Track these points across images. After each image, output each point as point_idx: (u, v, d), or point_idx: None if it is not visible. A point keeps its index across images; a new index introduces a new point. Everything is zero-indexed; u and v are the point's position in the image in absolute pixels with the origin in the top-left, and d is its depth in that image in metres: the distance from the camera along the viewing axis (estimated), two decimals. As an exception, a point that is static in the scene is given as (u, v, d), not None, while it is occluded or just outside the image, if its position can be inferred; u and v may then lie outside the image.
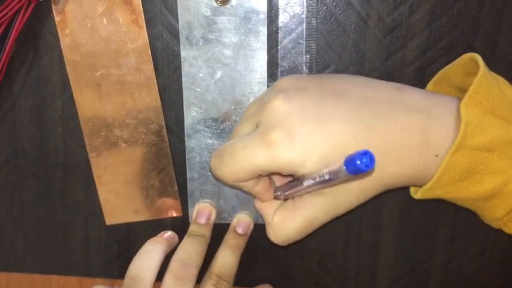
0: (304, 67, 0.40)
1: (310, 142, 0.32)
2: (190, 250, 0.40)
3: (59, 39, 0.40)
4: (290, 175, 0.36)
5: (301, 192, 0.34)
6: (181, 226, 0.44)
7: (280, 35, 0.40)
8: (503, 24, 0.39)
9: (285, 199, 0.37)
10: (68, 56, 0.40)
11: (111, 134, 0.42)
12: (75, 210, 0.45)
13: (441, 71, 0.38)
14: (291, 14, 0.40)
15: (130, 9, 0.39)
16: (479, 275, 0.44)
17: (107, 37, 0.40)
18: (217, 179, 0.37)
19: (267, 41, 0.39)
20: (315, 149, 0.32)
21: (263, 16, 0.39)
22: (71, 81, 0.41)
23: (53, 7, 0.39)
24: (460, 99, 0.33)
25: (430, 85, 0.39)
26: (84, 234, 0.45)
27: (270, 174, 0.37)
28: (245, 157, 0.33)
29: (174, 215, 0.44)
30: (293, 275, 0.45)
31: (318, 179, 0.31)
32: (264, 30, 0.39)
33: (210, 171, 0.40)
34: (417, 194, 0.35)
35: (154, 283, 0.39)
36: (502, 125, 0.32)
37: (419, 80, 0.40)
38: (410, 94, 0.34)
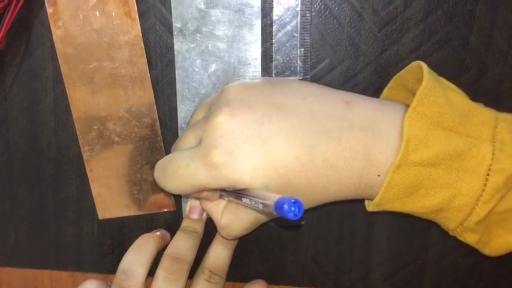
0: (298, 60, 0.40)
1: (252, 163, 0.32)
2: (183, 245, 0.39)
3: (51, 32, 0.40)
4: None
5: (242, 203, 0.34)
6: (174, 221, 0.44)
7: (274, 28, 0.39)
8: (499, 18, 0.39)
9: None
10: (60, 48, 0.40)
11: (103, 127, 0.41)
12: (67, 205, 0.44)
13: (396, 76, 0.37)
14: (286, 7, 0.39)
15: (123, 1, 0.39)
16: (473, 271, 0.44)
17: (99, 29, 0.39)
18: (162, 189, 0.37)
19: (261, 34, 0.39)
20: (257, 170, 0.32)
21: (257, 9, 0.39)
22: (63, 74, 0.40)
23: (45, -1, 0.39)
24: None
25: (386, 90, 0.38)
26: (77, 229, 0.45)
27: None
28: (187, 176, 0.33)
29: (167, 210, 0.44)
30: (286, 271, 0.45)
31: (253, 204, 0.30)
32: (258, 23, 0.39)
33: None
34: (369, 207, 0.35)
35: (146, 278, 0.38)
36: (449, 137, 0.32)
37: (414, 74, 0.40)
38: (358, 108, 0.33)
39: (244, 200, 0.32)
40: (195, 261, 0.40)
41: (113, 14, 0.39)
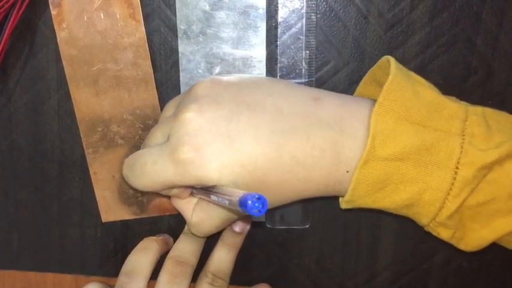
0: (303, 63, 0.40)
1: (220, 161, 0.31)
2: (186, 248, 0.39)
3: (55, 33, 0.39)
4: None
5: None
6: (177, 224, 0.44)
7: (279, 30, 0.39)
8: (505, 21, 0.39)
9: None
10: (64, 50, 0.40)
11: (107, 130, 0.41)
12: (71, 207, 0.44)
13: (369, 71, 0.37)
14: (291, 9, 0.39)
15: (127, 3, 0.39)
16: (479, 276, 0.44)
17: (103, 31, 0.39)
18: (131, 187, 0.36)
19: (266, 37, 0.39)
20: (225, 167, 0.31)
21: (262, 11, 0.39)
22: (67, 76, 0.40)
23: (50, 0, 0.39)
24: None
25: (360, 85, 0.39)
26: (80, 232, 0.45)
27: None
28: (154, 173, 0.33)
29: (171, 213, 0.43)
30: (291, 274, 0.44)
31: (220, 201, 0.30)
32: (263, 26, 0.39)
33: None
34: (342, 204, 0.35)
35: (149, 281, 0.38)
36: (417, 131, 0.31)
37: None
38: (326, 105, 0.33)
39: (213, 197, 0.31)
40: (198, 264, 0.39)
41: (118, 15, 0.39)
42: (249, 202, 0.26)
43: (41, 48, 0.41)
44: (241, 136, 0.32)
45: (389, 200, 0.33)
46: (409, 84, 0.33)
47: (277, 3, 0.39)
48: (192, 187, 0.35)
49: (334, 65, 0.40)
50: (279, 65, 0.40)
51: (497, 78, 0.40)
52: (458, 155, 0.31)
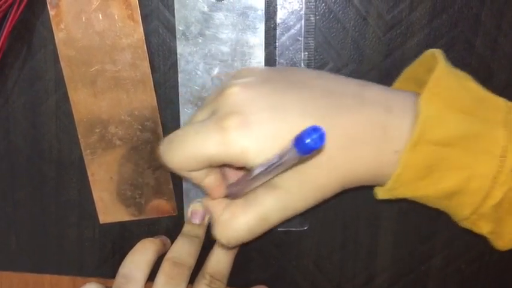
0: (302, 64, 0.39)
1: (266, 131, 0.30)
2: (183, 250, 0.39)
3: (53, 34, 0.39)
4: (242, 168, 0.34)
5: (253, 184, 0.32)
6: (175, 226, 0.44)
7: (278, 31, 0.39)
8: (504, 23, 0.39)
9: (237, 198, 0.35)
10: (62, 51, 0.40)
11: (105, 131, 0.41)
12: (68, 209, 0.44)
13: (406, 69, 0.37)
14: (290, 11, 0.39)
15: (126, 4, 0.39)
16: (478, 278, 0.44)
17: (102, 32, 0.39)
18: (165, 166, 0.34)
19: (265, 38, 0.39)
20: (271, 138, 0.30)
21: (261, 12, 0.38)
22: (65, 77, 0.40)
23: (48, 1, 0.39)
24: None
25: (396, 84, 0.38)
26: (78, 233, 0.45)
27: (221, 166, 0.35)
28: (196, 143, 0.31)
29: (168, 214, 0.43)
30: (289, 276, 0.44)
31: (266, 165, 0.29)
32: (261, 27, 0.39)
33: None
34: (380, 194, 0.34)
35: (146, 283, 0.38)
36: (464, 119, 0.31)
37: (419, 79, 0.40)
38: (372, 90, 0.33)
39: (256, 170, 0.29)
40: (196, 265, 0.39)
41: (116, 16, 0.39)
42: (307, 138, 0.23)
43: (39, 49, 0.41)
44: (288, 109, 0.31)
45: (433, 188, 0.32)
46: (456, 75, 0.33)
47: (276, 5, 0.39)
48: (232, 167, 0.33)
49: (333, 66, 0.40)
50: (277, 66, 0.40)
51: (496, 80, 0.40)
52: (505, 143, 0.31)
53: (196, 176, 0.34)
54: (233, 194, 0.35)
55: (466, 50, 0.39)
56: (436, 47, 0.39)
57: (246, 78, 0.33)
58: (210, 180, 0.34)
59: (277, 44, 0.39)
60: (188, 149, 0.32)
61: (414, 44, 0.39)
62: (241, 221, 0.33)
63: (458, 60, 0.39)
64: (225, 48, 0.39)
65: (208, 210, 0.36)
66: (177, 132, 0.33)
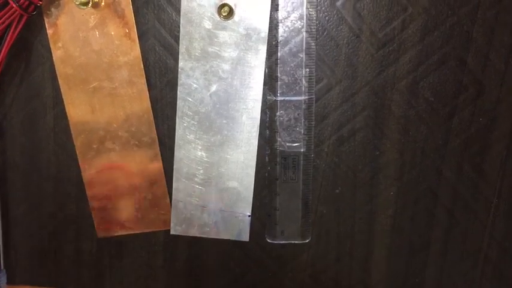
0: (303, 80, 0.40)
1: None
2: None
3: (51, 52, 0.40)
4: None
5: None
6: (172, 239, 0.44)
7: (279, 48, 0.40)
8: (495, 40, 0.39)
9: None
10: (60, 68, 0.40)
11: (103, 147, 0.42)
12: (66, 223, 0.45)
13: None
14: (291, 28, 0.39)
15: (122, 23, 0.39)
16: (471, 290, 0.44)
17: (99, 50, 0.40)
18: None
19: (266, 53, 0.39)
20: None
21: (264, 35, 0.39)
22: (63, 94, 0.41)
23: (46, 20, 0.39)
24: None
25: None
26: (76, 247, 0.45)
27: None
28: None
29: (166, 228, 0.44)
30: (285, 289, 0.45)
31: None
32: (263, 49, 0.39)
33: None
34: None
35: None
36: None
37: (412, 95, 0.40)
38: None
39: None
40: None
41: (113, 34, 0.39)
42: None
43: (37, 67, 0.41)
44: None
45: None
46: None
47: (278, 21, 0.39)
48: None
49: (327, 83, 0.41)
50: (279, 82, 0.40)
51: (488, 96, 0.40)
52: None
53: None
54: None
55: (457, 66, 0.40)
56: (428, 64, 0.40)
57: None
58: None
59: (278, 60, 0.39)
60: None
61: (406, 60, 0.40)
62: None
63: (450, 76, 0.40)
64: (226, 66, 0.40)
65: None
66: None
